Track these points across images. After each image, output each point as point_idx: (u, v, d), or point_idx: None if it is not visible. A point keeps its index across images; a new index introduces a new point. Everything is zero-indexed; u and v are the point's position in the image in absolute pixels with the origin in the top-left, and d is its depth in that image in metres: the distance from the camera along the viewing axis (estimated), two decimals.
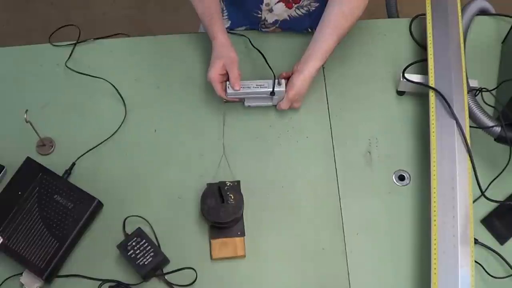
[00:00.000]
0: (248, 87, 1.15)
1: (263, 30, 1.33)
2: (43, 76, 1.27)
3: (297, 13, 1.28)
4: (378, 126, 1.24)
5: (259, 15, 1.28)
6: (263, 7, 1.25)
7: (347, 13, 1.16)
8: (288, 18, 1.28)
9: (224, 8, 1.33)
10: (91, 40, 1.31)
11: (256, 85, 1.16)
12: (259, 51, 1.22)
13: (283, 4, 1.24)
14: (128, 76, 1.28)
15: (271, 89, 1.15)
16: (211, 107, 1.25)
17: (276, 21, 1.29)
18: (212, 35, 1.19)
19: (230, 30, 1.35)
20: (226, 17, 1.33)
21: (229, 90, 1.15)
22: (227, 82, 1.15)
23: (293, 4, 1.24)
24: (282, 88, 1.15)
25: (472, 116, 1.16)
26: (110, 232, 1.12)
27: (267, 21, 1.29)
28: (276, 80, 1.15)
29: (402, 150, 1.21)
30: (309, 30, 1.32)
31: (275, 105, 1.23)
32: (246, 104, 1.21)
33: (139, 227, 1.08)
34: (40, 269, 1.05)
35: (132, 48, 1.32)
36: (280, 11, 1.26)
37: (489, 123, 1.14)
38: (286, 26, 1.31)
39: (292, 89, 1.16)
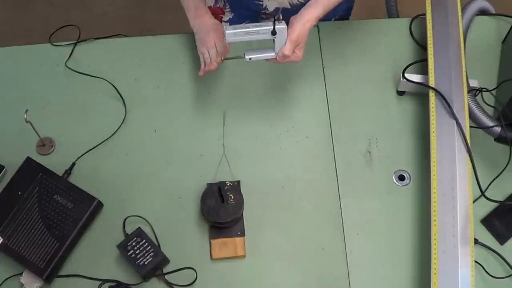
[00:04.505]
0: (247, 27, 1.05)
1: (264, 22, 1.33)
2: (43, 76, 1.27)
3: (298, 1, 1.27)
4: (378, 126, 1.24)
5: (261, 3, 1.27)
6: None
7: None
8: (289, 6, 1.28)
9: (227, 1, 1.33)
10: (91, 40, 1.31)
11: (256, 25, 1.06)
12: None
13: None
14: (128, 76, 1.28)
15: (272, 28, 1.05)
16: (211, 107, 1.25)
17: (277, 9, 1.29)
18: (199, 15, 1.19)
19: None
20: (229, 9, 1.33)
21: (228, 31, 1.04)
22: (225, 27, 1.05)
23: None
24: (283, 25, 1.05)
25: (472, 116, 1.16)
26: (110, 232, 1.12)
27: (268, 9, 1.29)
28: (276, 22, 1.05)
29: (402, 150, 1.21)
30: None
31: (277, 66, 1.14)
32: (247, 56, 1.10)
33: (139, 227, 1.08)
34: (40, 269, 1.05)
35: (132, 48, 1.32)
36: None
37: (489, 123, 1.14)
38: (288, 16, 1.30)
39: (293, 31, 1.08)
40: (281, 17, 1.05)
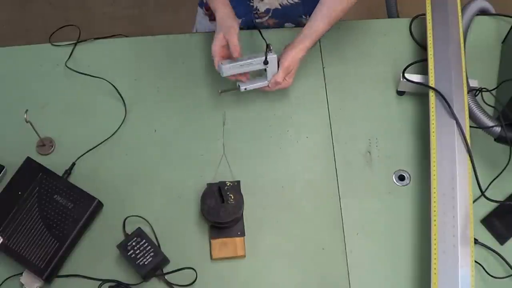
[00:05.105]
0: (241, 59, 1.14)
1: (257, 20, 1.34)
2: (43, 76, 1.27)
3: (288, 1, 1.28)
4: (378, 126, 1.24)
5: (251, 3, 1.29)
6: None
7: None
8: (279, 7, 1.29)
9: None
10: (91, 40, 1.31)
11: (249, 57, 1.14)
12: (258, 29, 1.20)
13: None
14: (128, 76, 1.28)
15: (264, 58, 1.14)
16: (211, 107, 1.25)
17: (268, 9, 1.30)
18: (213, 9, 1.18)
19: None
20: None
21: (225, 65, 1.12)
22: (220, 62, 1.12)
23: None
24: (274, 54, 1.15)
25: (472, 116, 1.16)
26: (110, 232, 1.12)
27: (259, 10, 1.30)
28: (268, 50, 1.14)
29: (402, 150, 1.21)
30: (303, 17, 1.32)
31: (270, 91, 1.20)
32: (242, 87, 1.18)
33: (139, 227, 1.08)
34: (40, 269, 1.05)
35: (132, 48, 1.32)
36: (271, 0, 1.27)
37: (489, 123, 1.14)
38: (279, 15, 1.32)
39: (286, 60, 1.15)
40: (271, 48, 1.14)
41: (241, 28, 1.38)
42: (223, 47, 1.14)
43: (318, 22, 1.17)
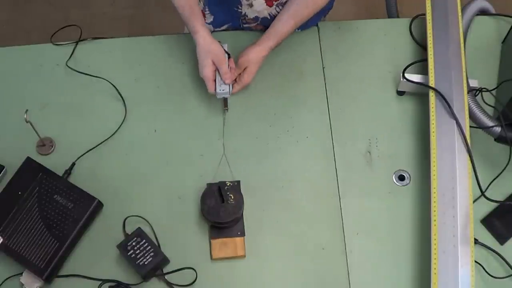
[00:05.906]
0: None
1: (245, 26, 1.34)
2: (43, 76, 1.27)
3: (277, 11, 1.28)
4: (378, 126, 1.24)
5: (240, 10, 1.28)
6: (243, 1, 1.26)
7: (310, 2, 1.20)
8: (268, 17, 1.29)
9: (206, 4, 1.33)
10: (91, 40, 1.31)
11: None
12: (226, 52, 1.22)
13: (264, 1, 1.25)
14: (128, 76, 1.28)
15: (226, 56, 1.19)
16: (211, 107, 1.25)
17: (257, 17, 1.30)
18: (193, 29, 1.18)
19: (213, 28, 1.36)
20: (208, 12, 1.34)
21: (218, 91, 1.18)
22: (215, 86, 1.18)
23: (274, 2, 1.26)
24: (225, 44, 1.22)
25: (472, 116, 1.16)
26: (110, 232, 1.12)
27: (247, 16, 1.30)
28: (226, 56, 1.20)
29: (402, 150, 1.21)
30: None
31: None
32: (219, 96, 1.20)
33: (139, 227, 1.08)
34: (40, 269, 1.05)
35: (132, 48, 1.32)
36: (261, 9, 1.28)
37: (489, 123, 1.14)
38: (267, 23, 1.31)
39: (244, 55, 1.19)
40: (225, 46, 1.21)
41: (227, 30, 1.38)
42: (213, 71, 1.18)
43: (284, 24, 1.20)
